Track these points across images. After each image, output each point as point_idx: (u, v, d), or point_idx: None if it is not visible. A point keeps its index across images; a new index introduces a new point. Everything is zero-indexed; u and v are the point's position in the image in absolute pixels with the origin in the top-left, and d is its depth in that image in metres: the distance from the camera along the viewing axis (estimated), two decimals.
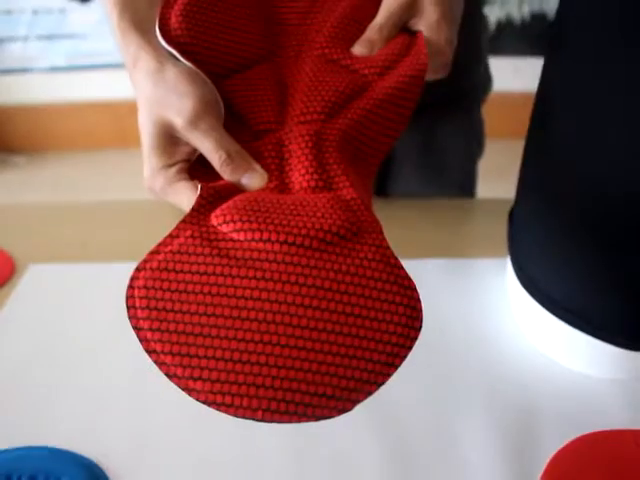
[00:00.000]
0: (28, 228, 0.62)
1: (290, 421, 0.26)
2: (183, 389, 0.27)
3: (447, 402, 0.42)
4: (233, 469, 0.37)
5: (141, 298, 0.29)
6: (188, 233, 0.31)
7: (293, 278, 0.30)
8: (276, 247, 0.31)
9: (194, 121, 0.36)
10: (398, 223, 0.59)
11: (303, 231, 0.31)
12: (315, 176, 0.35)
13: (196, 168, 0.38)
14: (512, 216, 0.49)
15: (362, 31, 0.43)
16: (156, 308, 0.28)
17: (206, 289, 0.29)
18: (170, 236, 0.31)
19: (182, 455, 0.38)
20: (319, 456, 0.38)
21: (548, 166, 0.43)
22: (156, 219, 0.47)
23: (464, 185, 0.76)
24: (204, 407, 0.27)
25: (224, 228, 0.32)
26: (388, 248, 0.32)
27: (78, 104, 2.05)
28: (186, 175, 0.37)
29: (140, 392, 0.42)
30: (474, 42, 0.68)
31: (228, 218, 0.32)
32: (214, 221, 0.32)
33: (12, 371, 0.44)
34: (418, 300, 0.30)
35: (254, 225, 0.31)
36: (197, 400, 0.27)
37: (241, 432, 0.39)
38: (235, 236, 0.32)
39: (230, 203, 0.33)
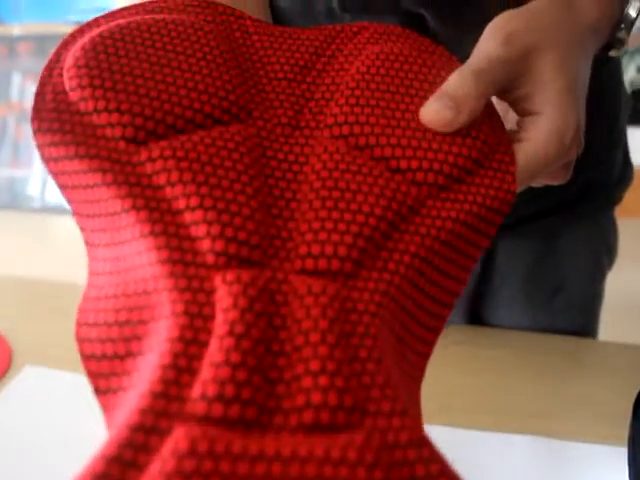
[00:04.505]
0: (35, 313, 0.54)
1: None
2: None
3: None
4: None
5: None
6: None
7: None
8: None
9: None
10: (482, 366, 0.44)
11: None
12: (338, 381, 0.18)
13: None
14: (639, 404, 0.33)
15: (414, 94, 0.26)
16: None
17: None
18: None
19: None
20: None
21: None
22: None
23: (585, 312, 0.58)
24: None
25: None
26: None
27: None
28: None
29: None
30: (611, 123, 0.51)
31: None
32: None
33: None
34: None
35: None
36: None
37: None
38: None
39: None
